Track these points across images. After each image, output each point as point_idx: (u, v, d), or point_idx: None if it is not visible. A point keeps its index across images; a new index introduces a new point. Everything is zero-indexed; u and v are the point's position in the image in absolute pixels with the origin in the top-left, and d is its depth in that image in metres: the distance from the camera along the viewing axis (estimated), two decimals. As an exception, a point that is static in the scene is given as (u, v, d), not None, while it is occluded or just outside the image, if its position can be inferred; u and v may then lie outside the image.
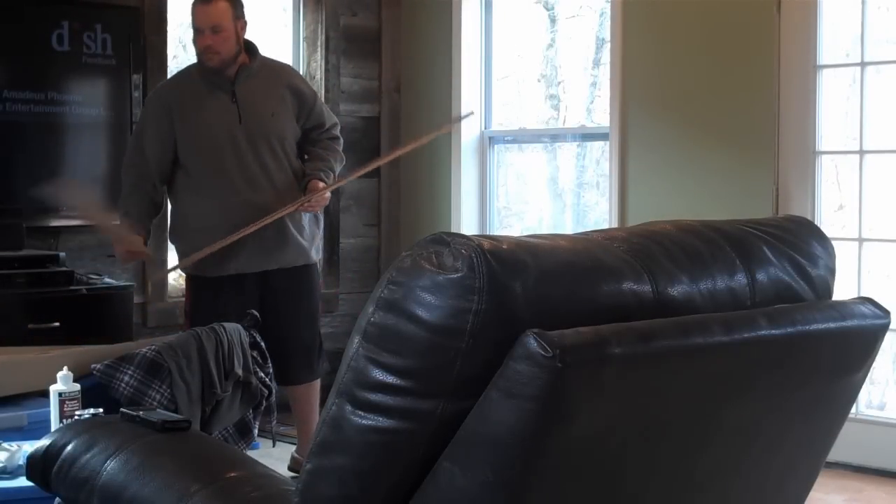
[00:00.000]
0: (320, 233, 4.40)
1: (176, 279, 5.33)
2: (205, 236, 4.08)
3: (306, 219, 4.26)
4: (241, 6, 4.18)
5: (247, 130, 4.09)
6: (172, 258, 5.23)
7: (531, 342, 1.43)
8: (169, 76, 5.20)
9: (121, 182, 4.26)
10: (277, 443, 4.35)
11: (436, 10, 5.80)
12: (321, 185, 4.16)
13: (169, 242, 4.53)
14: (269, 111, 4.15)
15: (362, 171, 4.73)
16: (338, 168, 4.33)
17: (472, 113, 4.94)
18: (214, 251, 4.03)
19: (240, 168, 4.10)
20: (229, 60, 4.10)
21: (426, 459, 1.52)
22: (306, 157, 4.30)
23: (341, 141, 4.40)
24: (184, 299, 4.39)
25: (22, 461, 2.70)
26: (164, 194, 4.25)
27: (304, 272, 4.28)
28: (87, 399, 2.97)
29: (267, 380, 3.79)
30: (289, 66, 4.46)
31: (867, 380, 1.94)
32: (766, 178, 4.65)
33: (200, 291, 4.20)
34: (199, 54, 4.12)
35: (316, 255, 4.36)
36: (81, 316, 4.38)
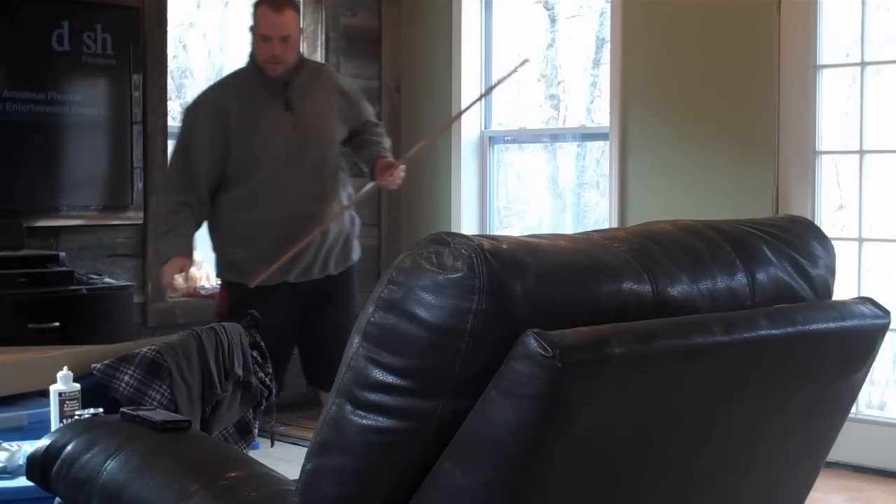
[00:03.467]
0: (357, 229, 4.29)
1: (176, 279, 5.33)
2: (257, 247, 3.98)
3: (348, 219, 4.17)
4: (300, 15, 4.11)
5: (301, 140, 3.99)
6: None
7: (531, 342, 1.42)
8: (169, 74, 5.20)
9: (163, 194, 4.09)
10: (277, 443, 4.35)
11: (436, 10, 5.80)
12: (389, 159, 4.07)
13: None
14: (321, 118, 4.06)
15: (437, 135, 4.48)
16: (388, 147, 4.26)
17: (528, 61, 4.71)
18: (272, 262, 3.91)
19: (294, 179, 3.99)
20: (291, 70, 4.00)
21: (426, 459, 1.52)
22: (356, 147, 4.20)
23: (382, 124, 4.34)
24: (218, 300, 4.24)
25: (22, 461, 2.70)
26: (208, 208, 4.08)
27: (348, 274, 4.17)
28: (87, 399, 2.96)
29: (267, 380, 3.78)
30: (328, 66, 4.35)
31: (867, 380, 1.94)
32: (766, 178, 4.65)
33: (240, 298, 4.02)
34: (260, 62, 3.98)
35: (357, 253, 4.25)
36: (81, 316, 4.38)
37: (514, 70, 4.30)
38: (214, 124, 3.96)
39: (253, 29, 4.02)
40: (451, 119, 4.75)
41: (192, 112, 4.09)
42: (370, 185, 4.10)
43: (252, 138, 3.96)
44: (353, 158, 4.25)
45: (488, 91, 4.49)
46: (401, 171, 4.07)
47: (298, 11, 4.03)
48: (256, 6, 4.01)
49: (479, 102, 4.56)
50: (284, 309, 4.01)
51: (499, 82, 4.42)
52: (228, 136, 3.95)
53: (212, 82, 4.21)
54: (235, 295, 4.07)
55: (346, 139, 4.18)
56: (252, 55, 4.04)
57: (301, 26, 4.07)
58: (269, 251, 3.92)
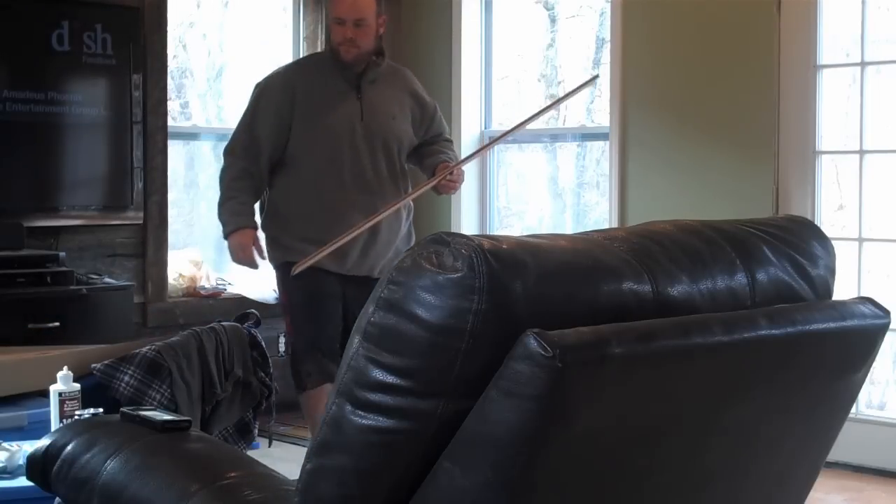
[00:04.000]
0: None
1: (175, 279, 5.33)
2: (305, 230, 3.92)
3: (405, 228, 4.10)
4: (382, 1, 3.97)
5: (366, 130, 3.94)
6: (173, 258, 5.23)
7: (531, 342, 1.42)
8: (169, 74, 5.20)
9: (227, 160, 4.00)
10: (277, 443, 4.35)
11: (436, 10, 5.80)
12: (452, 163, 4.02)
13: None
14: (390, 114, 4.01)
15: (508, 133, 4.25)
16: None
17: (597, 76, 4.48)
18: (326, 250, 3.80)
19: (353, 167, 3.94)
20: (365, 56, 3.93)
21: (426, 459, 1.52)
22: (421, 155, 4.15)
23: (451, 140, 4.29)
24: (280, 294, 4.13)
25: (22, 461, 2.71)
26: (266, 183, 4.02)
27: None
28: (87, 399, 2.97)
29: (267, 380, 3.79)
30: (409, 71, 4.26)
31: (867, 380, 1.94)
32: (766, 178, 4.65)
33: (291, 280, 3.90)
34: (334, 45, 3.93)
35: None
36: (81, 316, 4.38)
37: (585, 84, 4.22)
38: (281, 99, 3.93)
39: (330, 13, 4.00)
40: (513, 127, 4.38)
41: (262, 86, 4.04)
42: (427, 184, 4.00)
43: (316, 120, 3.93)
44: (417, 165, 4.19)
45: (556, 103, 4.37)
46: (461, 176, 4.04)
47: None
48: None
49: (542, 113, 4.29)
50: (336, 290, 3.94)
51: (568, 95, 4.33)
52: (292, 112, 3.91)
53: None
54: (293, 281, 3.89)
55: (414, 148, 4.13)
56: (329, 40, 4.01)
57: (381, 14, 3.97)
58: (318, 238, 3.85)
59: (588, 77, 4.28)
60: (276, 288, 4.20)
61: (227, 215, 3.96)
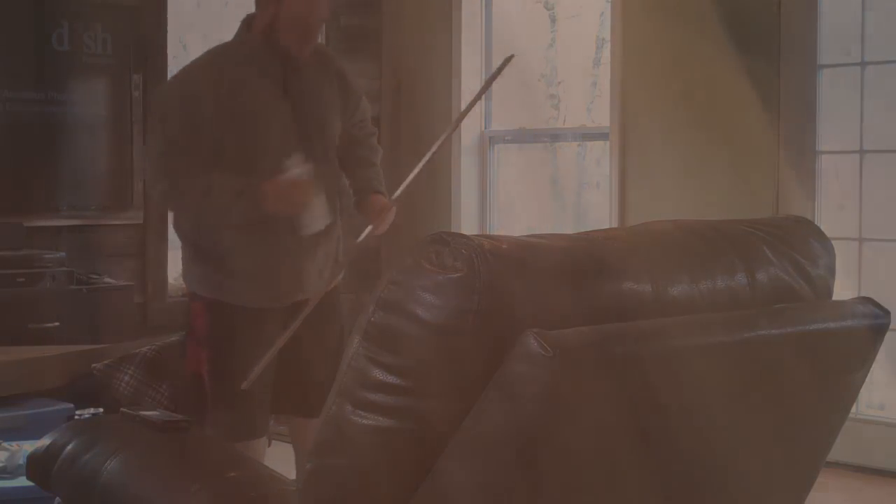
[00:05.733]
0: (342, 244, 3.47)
1: (175, 279, 5.32)
2: (242, 264, 3.14)
3: (336, 229, 3.36)
4: None
5: (302, 137, 3.16)
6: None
7: (531, 342, 1.42)
8: (169, 74, 5.17)
9: (160, 190, 3.10)
10: (277, 443, 4.34)
11: (436, 10, 5.80)
12: (384, 200, 3.28)
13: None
14: (323, 109, 3.25)
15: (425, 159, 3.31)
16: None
17: (512, 56, 3.84)
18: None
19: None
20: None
21: (426, 459, 1.52)
22: (347, 157, 3.39)
23: (375, 130, 3.53)
24: (193, 319, 3.24)
25: (22, 461, 2.71)
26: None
27: (332, 293, 3.31)
28: (87, 399, 2.97)
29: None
30: (329, 49, 3.46)
31: (867, 380, 1.94)
32: (766, 178, 4.65)
33: (223, 322, 3.17)
34: (294, 35, 3.06)
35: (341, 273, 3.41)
36: (81, 316, 4.38)
37: (501, 67, 3.53)
38: (226, 96, 3.07)
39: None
40: (442, 138, 3.72)
41: (176, 87, 3.17)
42: (366, 233, 3.27)
43: (249, 126, 3.10)
44: (341, 169, 3.45)
45: (479, 96, 3.66)
46: (392, 214, 3.28)
47: None
48: None
49: (469, 110, 3.62)
50: (273, 329, 3.19)
51: (487, 84, 3.69)
52: (222, 122, 3.06)
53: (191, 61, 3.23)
54: (219, 318, 3.17)
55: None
56: (261, 24, 3.08)
57: None
58: (254, 273, 3.16)
59: (504, 59, 3.61)
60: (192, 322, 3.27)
61: (238, 206, 3.03)
